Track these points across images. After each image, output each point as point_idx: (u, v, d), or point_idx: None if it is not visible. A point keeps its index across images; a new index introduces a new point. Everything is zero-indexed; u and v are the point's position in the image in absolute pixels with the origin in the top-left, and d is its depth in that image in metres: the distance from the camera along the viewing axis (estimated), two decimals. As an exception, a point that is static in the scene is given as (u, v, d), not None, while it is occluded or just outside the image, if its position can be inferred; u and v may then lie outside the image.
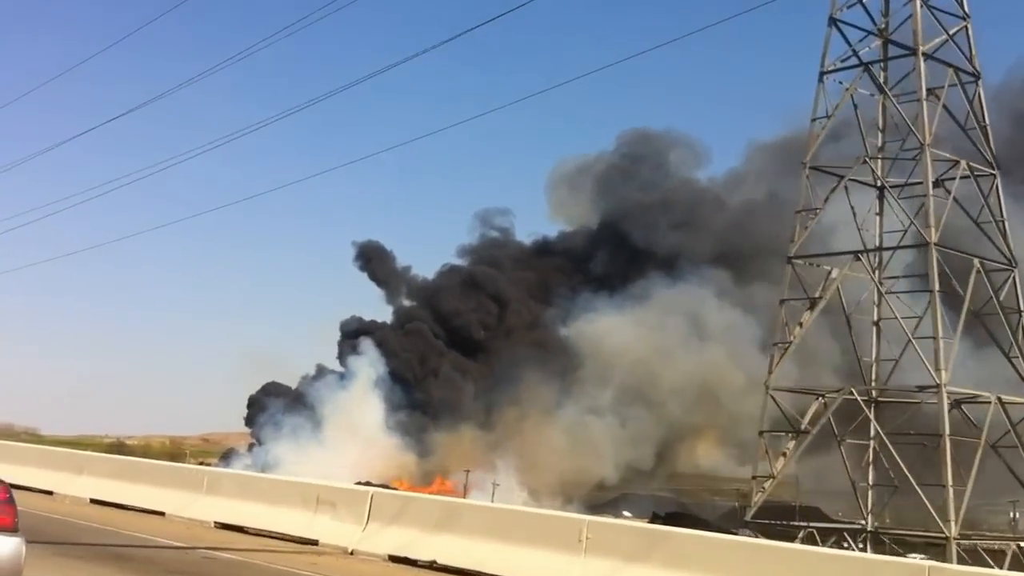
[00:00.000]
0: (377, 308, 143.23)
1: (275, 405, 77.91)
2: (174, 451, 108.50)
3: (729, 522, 62.48)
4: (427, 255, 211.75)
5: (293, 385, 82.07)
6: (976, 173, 40.96)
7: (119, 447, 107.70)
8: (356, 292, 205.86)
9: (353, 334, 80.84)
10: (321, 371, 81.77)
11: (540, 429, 71.88)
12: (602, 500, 70.35)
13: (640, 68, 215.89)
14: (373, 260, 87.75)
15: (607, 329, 73.14)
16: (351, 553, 19.14)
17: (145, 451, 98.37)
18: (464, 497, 59.21)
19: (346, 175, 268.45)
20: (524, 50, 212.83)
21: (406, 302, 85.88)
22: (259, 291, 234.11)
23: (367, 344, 77.89)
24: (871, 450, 40.48)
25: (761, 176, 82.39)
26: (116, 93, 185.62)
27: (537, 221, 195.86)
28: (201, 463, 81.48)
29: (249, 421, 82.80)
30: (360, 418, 72.50)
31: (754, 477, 42.36)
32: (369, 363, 76.30)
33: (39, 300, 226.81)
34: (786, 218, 74.75)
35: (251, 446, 79.78)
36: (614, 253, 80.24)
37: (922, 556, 31.96)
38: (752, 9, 35.11)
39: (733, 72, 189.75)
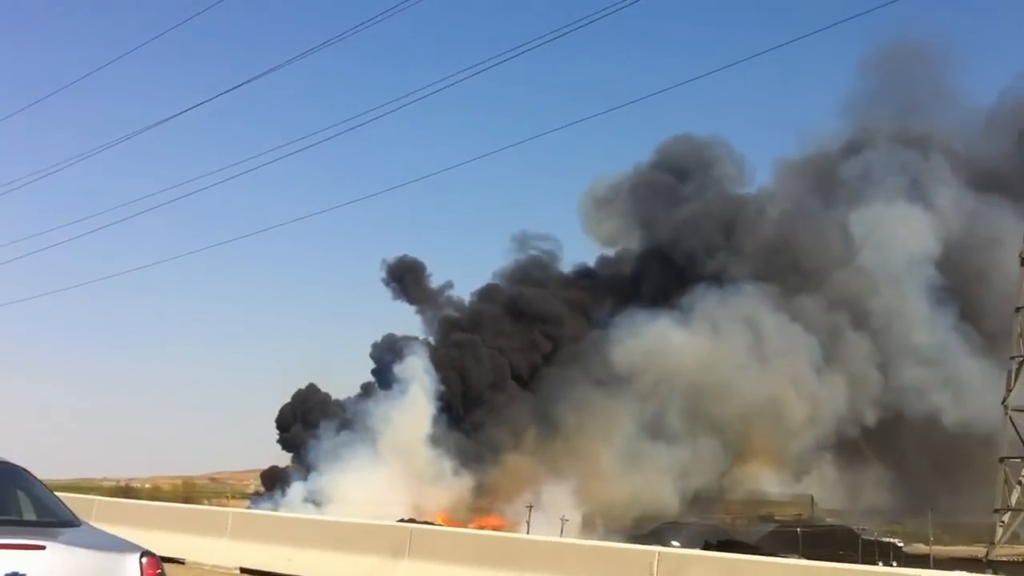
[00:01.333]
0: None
1: (323, 426, 75.32)
2: (188, 493, 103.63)
3: (772, 544, 61.67)
4: (463, 280, 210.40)
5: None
6: None
7: (127, 491, 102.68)
8: (383, 319, 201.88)
9: (393, 350, 78.54)
10: (368, 390, 79.41)
11: (597, 455, 70.64)
12: (642, 531, 68.41)
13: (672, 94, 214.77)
14: (406, 277, 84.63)
15: (662, 347, 71.89)
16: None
17: (156, 494, 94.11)
18: (527, 531, 58.27)
19: (373, 202, 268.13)
20: (565, 75, 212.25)
21: (447, 321, 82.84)
22: (275, 322, 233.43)
23: (415, 357, 75.67)
24: None
25: (789, 195, 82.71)
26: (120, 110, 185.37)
27: (578, 247, 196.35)
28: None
29: (289, 445, 79.62)
30: (415, 441, 71.11)
31: (996, 511, 39.20)
32: (421, 373, 74.28)
33: (28, 334, 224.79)
34: (827, 229, 76.09)
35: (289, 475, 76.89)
36: (661, 270, 79.07)
37: None
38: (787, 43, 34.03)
39: (761, 91, 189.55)
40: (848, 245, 74.66)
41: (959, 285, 73.39)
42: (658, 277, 78.46)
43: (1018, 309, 37.86)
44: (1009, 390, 37.20)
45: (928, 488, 72.04)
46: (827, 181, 79.47)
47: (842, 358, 71.44)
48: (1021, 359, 36.78)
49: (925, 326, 72.85)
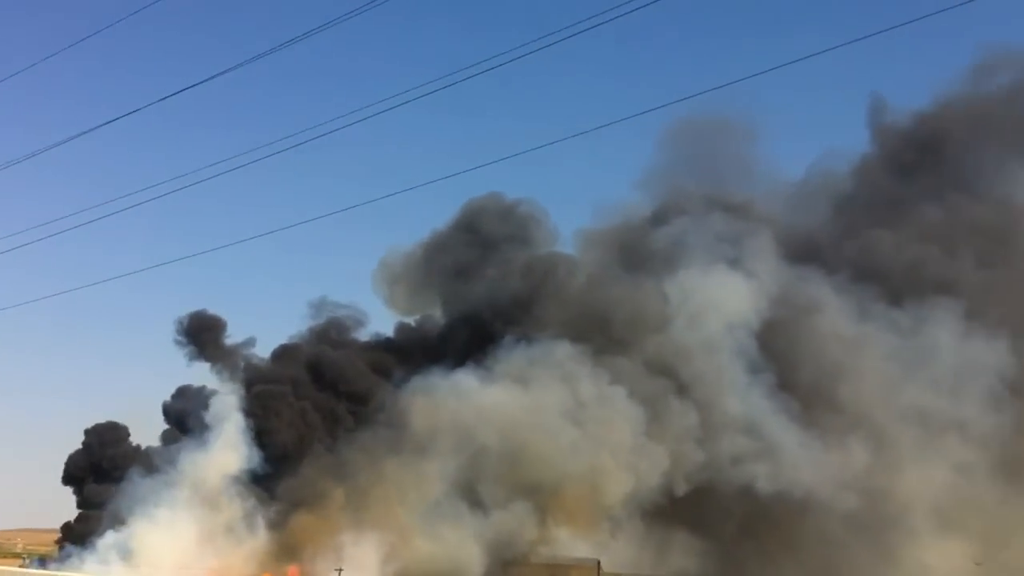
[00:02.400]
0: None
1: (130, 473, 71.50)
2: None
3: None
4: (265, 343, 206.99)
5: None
6: None
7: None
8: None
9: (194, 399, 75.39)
10: (169, 438, 75.96)
11: (401, 517, 68.01)
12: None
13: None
14: (203, 334, 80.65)
15: (469, 404, 70.01)
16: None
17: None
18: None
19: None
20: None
21: (250, 370, 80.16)
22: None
23: (222, 406, 72.14)
24: None
25: (596, 261, 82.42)
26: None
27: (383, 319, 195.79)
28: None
29: (86, 495, 75.35)
30: (222, 493, 67.45)
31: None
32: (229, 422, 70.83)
33: None
34: (640, 294, 76.25)
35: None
36: (466, 331, 77.55)
37: None
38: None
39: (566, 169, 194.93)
40: (664, 310, 74.48)
41: (775, 353, 73.90)
42: (463, 337, 76.94)
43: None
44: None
45: (739, 555, 72.15)
46: (635, 249, 79.65)
47: (659, 423, 70.80)
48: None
49: (741, 394, 72.88)
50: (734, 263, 75.40)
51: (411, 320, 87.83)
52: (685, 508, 72.26)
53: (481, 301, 76.94)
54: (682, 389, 71.90)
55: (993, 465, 75.18)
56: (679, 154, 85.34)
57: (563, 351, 71.92)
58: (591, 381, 70.59)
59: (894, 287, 77.60)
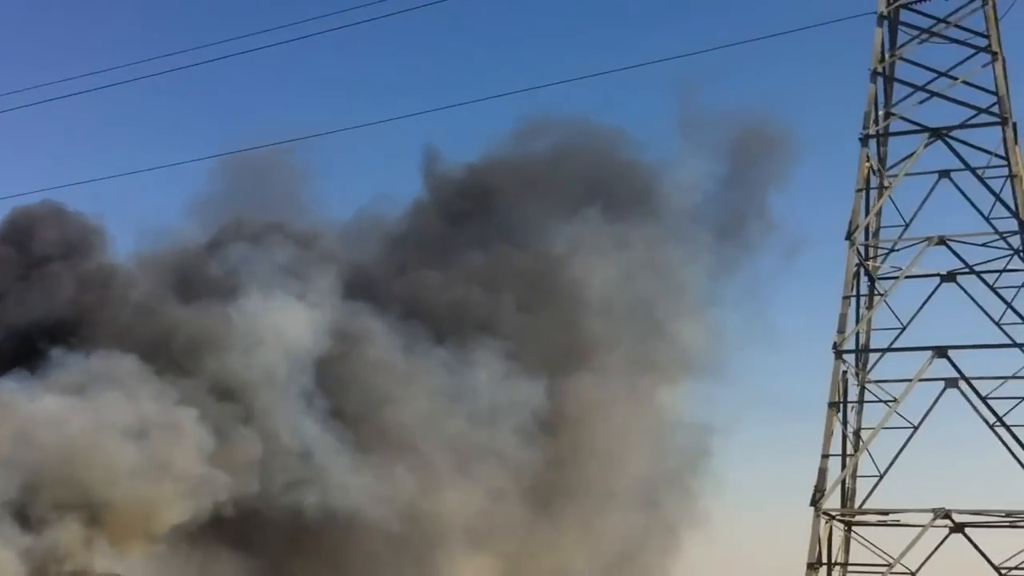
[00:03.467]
0: None
1: None
2: None
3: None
4: None
5: None
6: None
7: None
8: None
9: None
10: None
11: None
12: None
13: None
14: None
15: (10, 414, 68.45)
16: None
17: None
18: None
19: None
20: None
21: None
22: None
23: None
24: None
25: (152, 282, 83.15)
26: None
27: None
28: None
29: None
30: None
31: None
32: None
33: None
34: (200, 317, 78.35)
35: None
36: (9, 347, 76.01)
37: None
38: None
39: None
40: (227, 335, 76.61)
41: (330, 384, 77.82)
42: (7, 354, 75.41)
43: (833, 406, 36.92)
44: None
45: (286, 573, 75.32)
46: (192, 273, 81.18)
47: (225, 449, 72.61)
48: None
49: (297, 422, 76.25)
50: (295, 294, 78.82)
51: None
52: (235, 531, 74.32)
53: (29, 315, 75.40)
54: (248, 417, 74.01)
55: (524, 492, 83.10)
56: (233, 185, 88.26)
57: (125, 365, 71.91)
58: (156, 400, 71.22)
59: (440, 325, 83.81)
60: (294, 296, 78.21)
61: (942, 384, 34.02)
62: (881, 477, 34.26)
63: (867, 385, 35.95)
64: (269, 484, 74.29)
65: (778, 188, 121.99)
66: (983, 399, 32.48)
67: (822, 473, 34.63)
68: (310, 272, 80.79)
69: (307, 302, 78.49)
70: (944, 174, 36.55)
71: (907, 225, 35.72)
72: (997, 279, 35.30)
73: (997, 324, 34.99)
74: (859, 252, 34.49)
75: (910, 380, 34.34)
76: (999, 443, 33.49)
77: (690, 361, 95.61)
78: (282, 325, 76.72)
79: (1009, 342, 34.01)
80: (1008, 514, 33.61)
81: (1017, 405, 33.65)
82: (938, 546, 31.51)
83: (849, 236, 35.10)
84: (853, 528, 34.36)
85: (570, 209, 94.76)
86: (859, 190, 36.04)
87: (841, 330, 35.09)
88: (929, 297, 34.73)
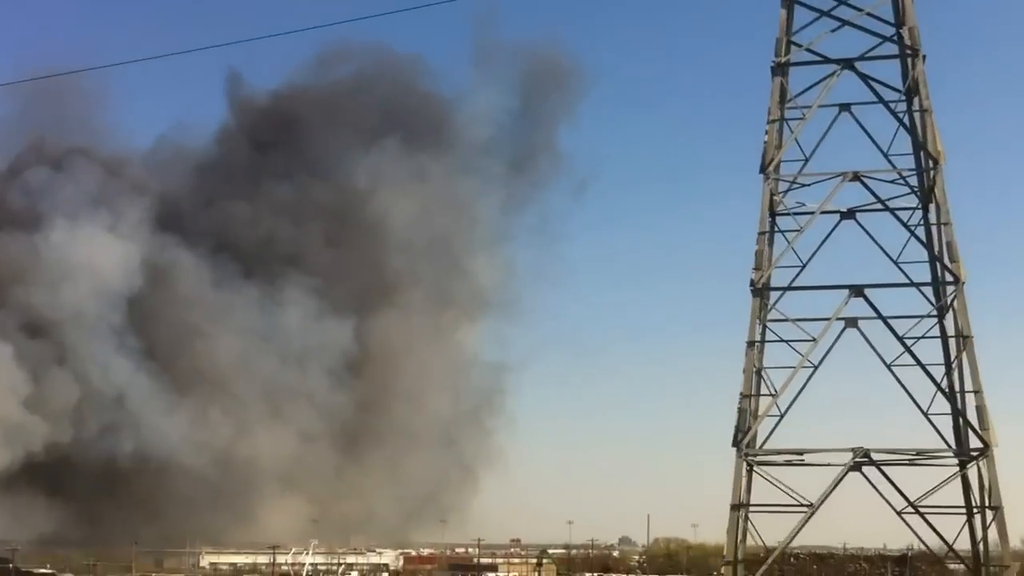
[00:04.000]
0: None
1: None
2: None
3: None
4: None
5: None
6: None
7: None
8: None
9: None
10: None
11: None
12: None
13: None
14: None
15: None
16: None
17: None
18: None
19: None
20: None
21: None
22: None
23: None
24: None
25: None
26: None
27: None
28: None
29: None
30: None
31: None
32: None
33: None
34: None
35: None
36: None
37: None
38: None
39: None
40: (35, 267, 71.66)
41: (143, 322, 74.57)
42: None
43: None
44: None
45: (99, 516, 72.38)
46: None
47: (40, 392, 68.41)
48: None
49: (110, 364, 72.81)
50: (105, 225, 74.54)
51: None
52: (48, 476, 70.74)
53: None
54: (61, 357, 70.03)
55: (333, 435, 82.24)
56: (28, 109, 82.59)
57: None
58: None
59: (249, 260, 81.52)
60: (104, 228, 74.03)
61: (842, 324, 34.54)
62: (782, 416, 34.69)
63: (770, 325, 36.23)
64: (83, 429, 70.81)
65: (568, 123, 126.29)
66: (900, 338, 33.26)
67: (742, 413, 34.64)
68: (119, 201, 76.64)
69: (117, 234, 74.42)
70: (845, 108, 36.69)
71: (807, 160, 35.79)
72: (911, 217, 35.90)
73: (896, 263, 35.53)
74: (772, 186, 34.49)
75: (816, 319, 34.85)
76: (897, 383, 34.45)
77: (486, 298, 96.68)
78: (94, 259, 72.68)
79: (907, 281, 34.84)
80: (918, 453, 34.88)
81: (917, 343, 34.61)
82: (838, 481, 32.33)
83: (763, 170, 34.80)
84: (760, 468, 34.75)
85: (369, 139, 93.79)
86: (772, 121, 35.62)
87: (758, 266, 34.87)
88: (830, 233, 34.95)
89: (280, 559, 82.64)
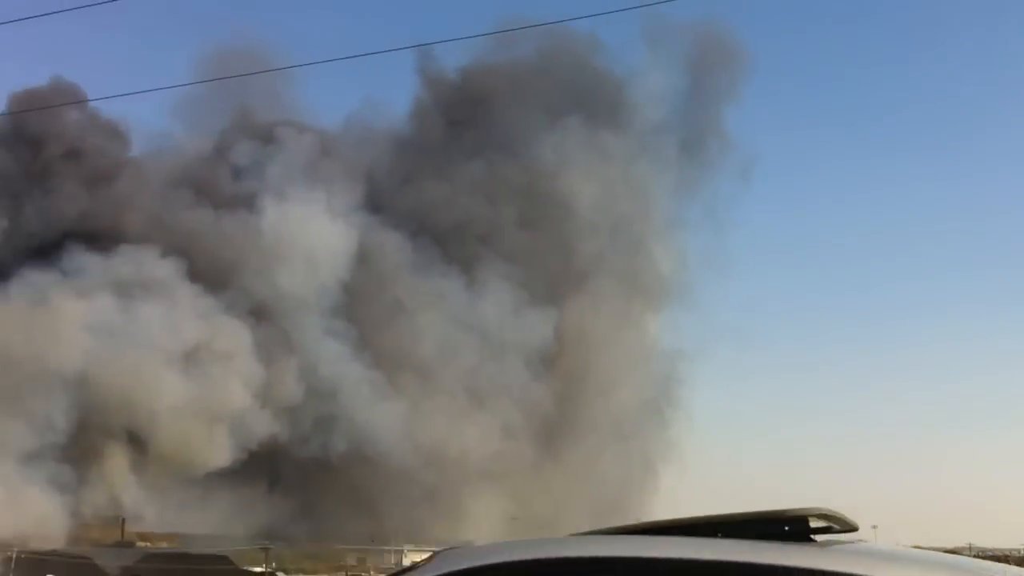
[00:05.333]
0: None
1: None
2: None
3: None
4: None
5: None
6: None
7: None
8: None
9: None
10: None
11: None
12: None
13: None
14: None
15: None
16: None
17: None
18: None
19: None
20: None
21: None
22: None
23: None
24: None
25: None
26: None
27: None
28: None
29: None
30: None
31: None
32: None
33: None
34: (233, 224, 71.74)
35: None
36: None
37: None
38: None
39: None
40: (260, 251, 70.15)
41: (357, 308, 73.36)
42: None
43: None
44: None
45: (317, 511, 71.80)
46: (206, 175, 74.51)
47: (270, 385, 67.19)
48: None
49: (329, 354, 71.57)
50: (319, 205, 72.93)
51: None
52: (265, 469, 69.84)
53: (44, 216, 67.46)
54: (288, 346, 68.80)
55: (532, 428, 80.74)
56: (218, 85, 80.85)
57: (161, 271, 64.64)
58: (204, 319, 64.42)
59: (446, 242, 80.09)
60: (319, 208, 72.72)
61: None
62: None
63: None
64: (301, 422, 69.93)
65: (735, 103, 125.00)
66: None
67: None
68: (330, 179, 75.21)
69: (331, 213, 73.12)
70: None
71: None
72: None
73: None
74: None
75: None
76: None
77: (669, 286, 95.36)
78: (312, 242, 71.40)
79: None
80: None
81: None
82: None
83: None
84: None
85: (553, 117, 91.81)
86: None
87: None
88: None
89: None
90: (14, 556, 55.00)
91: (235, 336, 64.96)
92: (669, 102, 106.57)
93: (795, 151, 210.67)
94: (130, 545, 70.42)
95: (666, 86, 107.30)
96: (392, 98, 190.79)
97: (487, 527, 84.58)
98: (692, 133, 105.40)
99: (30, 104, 66.87)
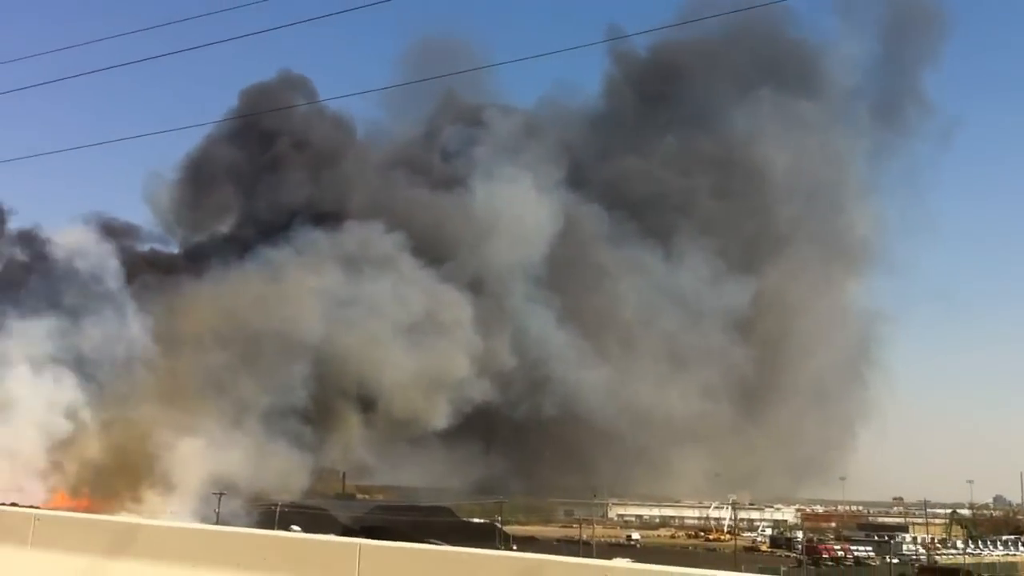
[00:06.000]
0: None
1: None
2: None
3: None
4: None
5: None
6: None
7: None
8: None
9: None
10: None
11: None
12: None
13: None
14: None
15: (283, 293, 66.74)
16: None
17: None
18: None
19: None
20: None
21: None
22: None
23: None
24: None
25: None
26: None
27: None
28: None
29: None
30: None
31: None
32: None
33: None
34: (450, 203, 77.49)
35: None
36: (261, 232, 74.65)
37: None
38: None
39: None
40: (475, 228, 75.44)
41: (562, 279, 77.84)
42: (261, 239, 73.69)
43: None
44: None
45: (532, 468, 76.87)
46: (419, 154, 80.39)
47: (485, 352, 72.35)
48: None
49: (538, 322, 76.33)
50: (525, 182, 77.76)
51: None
52: (481, 429, 74.93)
53: (277, 196, 74.18)
54: (503, 317, 73.95)
55: (732, 390, 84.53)
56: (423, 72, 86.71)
57: (390, 242, 70.33)
58: (427, 292, 70.09)
59: (643, 214, 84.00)
60: (526, 185, 77.28)
61: None
62: None
63: None
64: (514, 386, 74.77)
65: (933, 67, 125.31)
66: None
67: None
68: (533, 156, 79.82)
69: (537, 189, 77.66)
70: None
71: None
72: None
73: None
74: None
75: None
76: None
77: (869, 250, 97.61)
78: (519, 218, 75.96)
79: None
80: None
81: None
82: None
83: None
84: None
85: (744, 88, 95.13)
86: None
87: None
88: None
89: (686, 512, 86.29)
90: (277, 509, 61.57)
91: (457, 307, 70.27)
92: (863, 68, 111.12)
93: (1001, 113, 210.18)
94: (351, 497, 76.97)
95: (860, 52, 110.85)
96: (581, 78, 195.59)
97: (691, 483, 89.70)
98: (888, 98, 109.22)
99: (260, 97, 74.07)
